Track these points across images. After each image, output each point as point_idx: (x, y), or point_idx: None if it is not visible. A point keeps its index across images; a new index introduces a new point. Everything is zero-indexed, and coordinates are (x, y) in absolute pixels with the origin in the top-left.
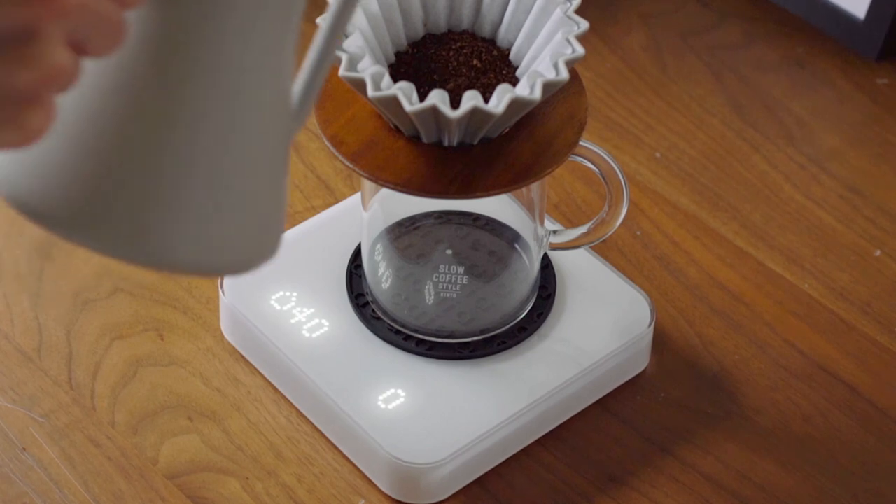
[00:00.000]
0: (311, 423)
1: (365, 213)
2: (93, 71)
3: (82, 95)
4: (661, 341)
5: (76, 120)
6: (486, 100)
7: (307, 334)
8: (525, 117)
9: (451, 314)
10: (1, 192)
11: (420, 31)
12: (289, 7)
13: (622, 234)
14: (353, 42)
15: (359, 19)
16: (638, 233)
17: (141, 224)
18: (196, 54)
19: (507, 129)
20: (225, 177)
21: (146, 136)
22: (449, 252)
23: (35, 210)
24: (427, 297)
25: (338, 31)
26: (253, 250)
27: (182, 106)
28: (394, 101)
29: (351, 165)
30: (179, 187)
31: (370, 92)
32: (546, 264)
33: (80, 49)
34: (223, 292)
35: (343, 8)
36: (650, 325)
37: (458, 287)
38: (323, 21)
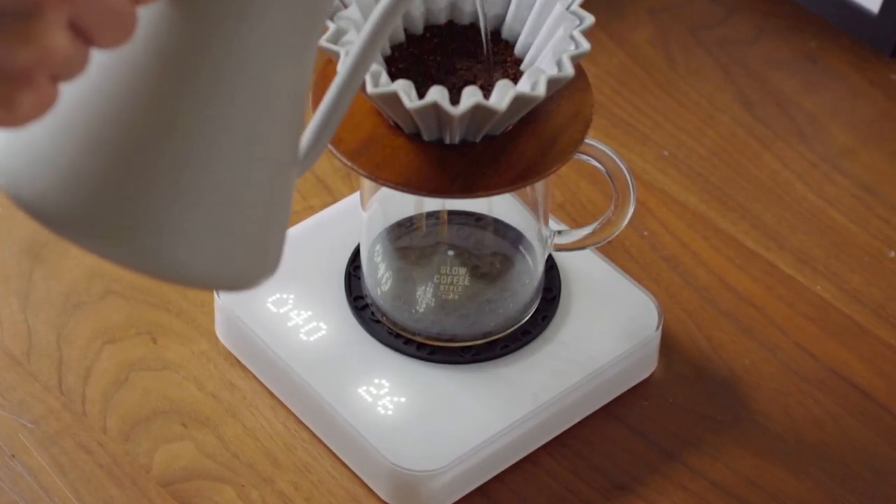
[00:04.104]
0: (308, 429)
1: (364, 213)
2: (114, 70)
3: (99, 94)
4: (668, 345)
5: (89, 119)
6: (489, 96)
7: (304, 337)
8: (529, 114)
9: (453, 317)
10: (4, 187)
11: (420, 27)
12: (313, 14)
13: (629, 234)
14: (349, 38)
15: (352, 12)
16: (645, 233)
17: (149, 229)
18: (219, 63)
19: (511, 127)
20: (237, 187)
21: (162, 141)
22: (450, 253)
23: (36, 207)
24: (428, 300)
25: (359, 72)
26: (256, 264)
27: (201, 114)
28: (394, 98)
29: (349, 164)
30: (191, 195)
31: (369, 88)
32: (550, 265)
33: (86, 38)
34: (218, 294)
35: (366, 52)
36: (657, 328)
37: (459, 289)
38: (342, 65)
